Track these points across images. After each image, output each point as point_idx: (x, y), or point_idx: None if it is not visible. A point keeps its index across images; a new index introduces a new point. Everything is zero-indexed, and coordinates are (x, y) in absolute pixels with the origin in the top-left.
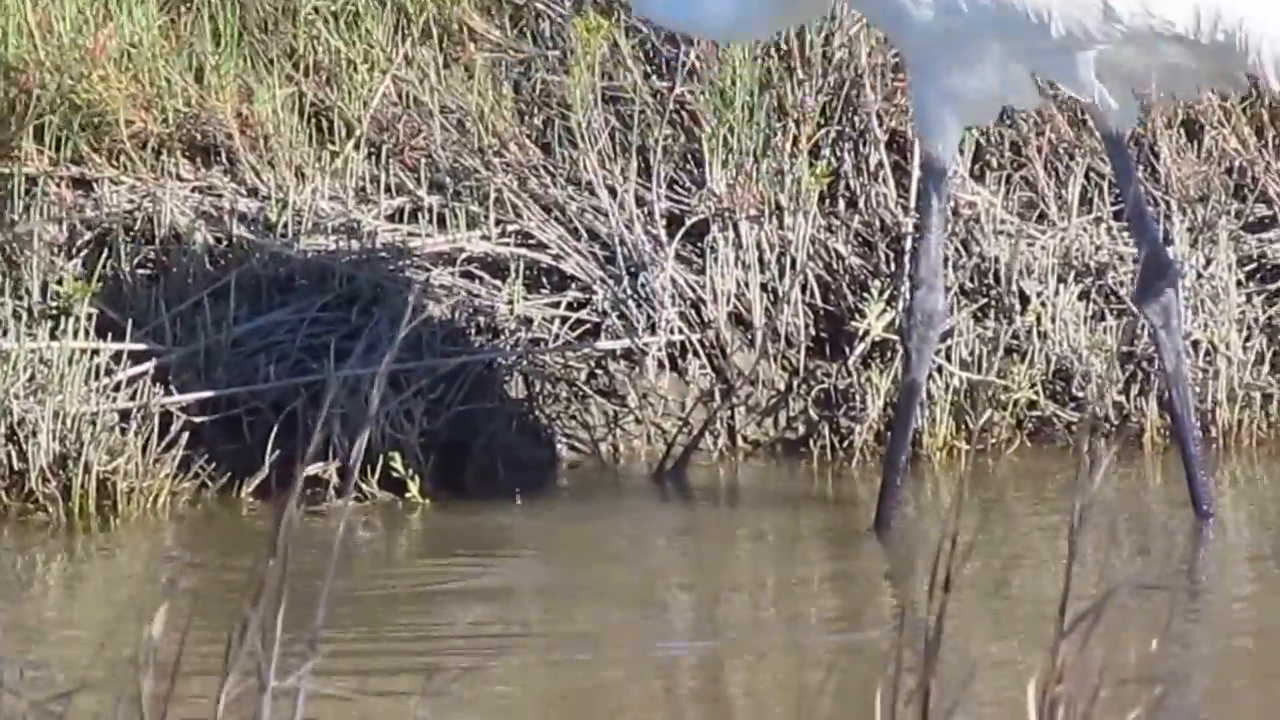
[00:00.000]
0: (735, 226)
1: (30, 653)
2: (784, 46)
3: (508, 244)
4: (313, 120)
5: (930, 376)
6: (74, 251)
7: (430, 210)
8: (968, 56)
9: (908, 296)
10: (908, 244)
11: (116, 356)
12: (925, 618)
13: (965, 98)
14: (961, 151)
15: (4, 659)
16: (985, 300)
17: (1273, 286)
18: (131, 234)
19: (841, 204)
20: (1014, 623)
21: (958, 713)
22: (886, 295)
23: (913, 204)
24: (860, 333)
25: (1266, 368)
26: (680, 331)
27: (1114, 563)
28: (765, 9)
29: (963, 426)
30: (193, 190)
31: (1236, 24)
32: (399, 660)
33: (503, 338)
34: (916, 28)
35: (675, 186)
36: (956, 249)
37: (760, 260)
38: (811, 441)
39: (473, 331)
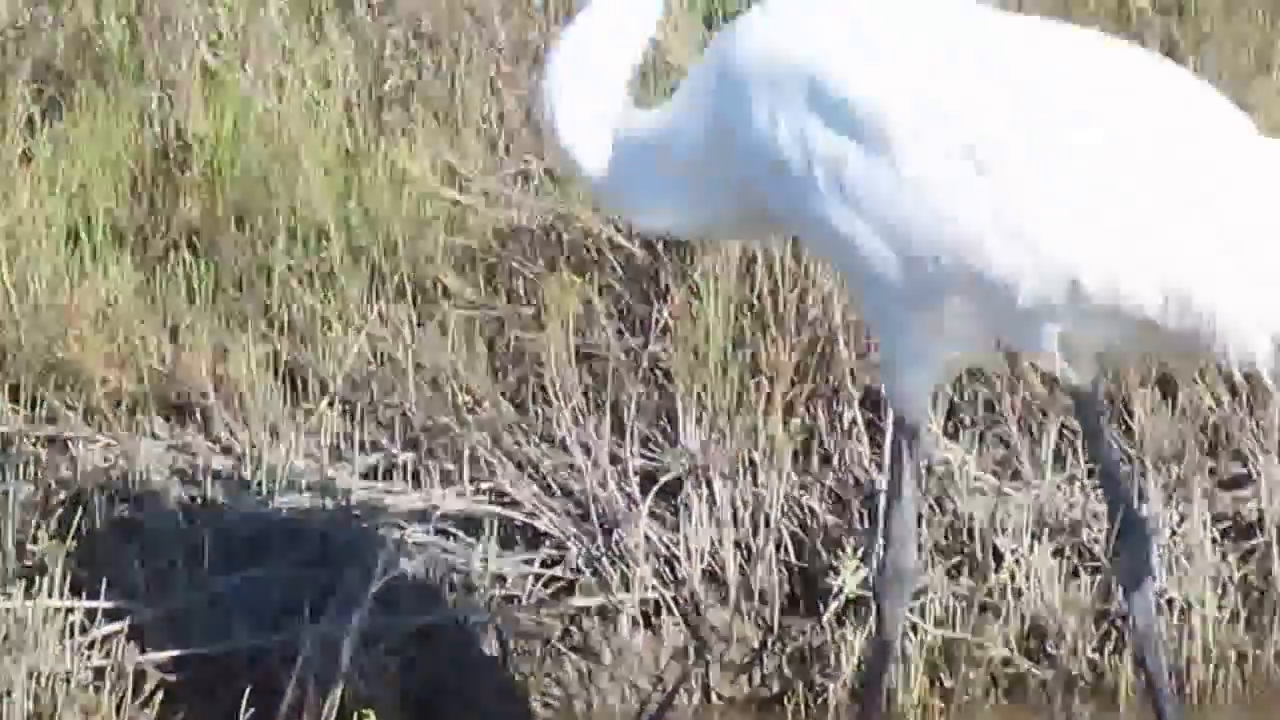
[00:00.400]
0: (709, 483)
1: None
2: (757, 304)
3: (482, 501)
4: (287, 378)
5: (905, 634)
6: (48, 510)
7: (404, 467)
8: (932, 317)
9: (881, 554)
10: (881, 501)
11: (90, 615)
12: None
13: (931, 357)
14: (935, 409)
15: None
16: (959, 557)
17: (1247, 544)
18: (106, 492)
19: (815, 461)
20: None
21: None
22: (860, 552)
23: (886, 462)
24: (834, 590)
25: (1241, 626)
26: (654, 588)
27: None
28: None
29: (938, 684)
30: (167, 448)
31: (1206, 312)
32: None
33: (476, 595)
34: (882, 284)
35: (649, 443)
36: (931, 506)
37: (734, 517)
38: (786, 699)
39: (446, 589)
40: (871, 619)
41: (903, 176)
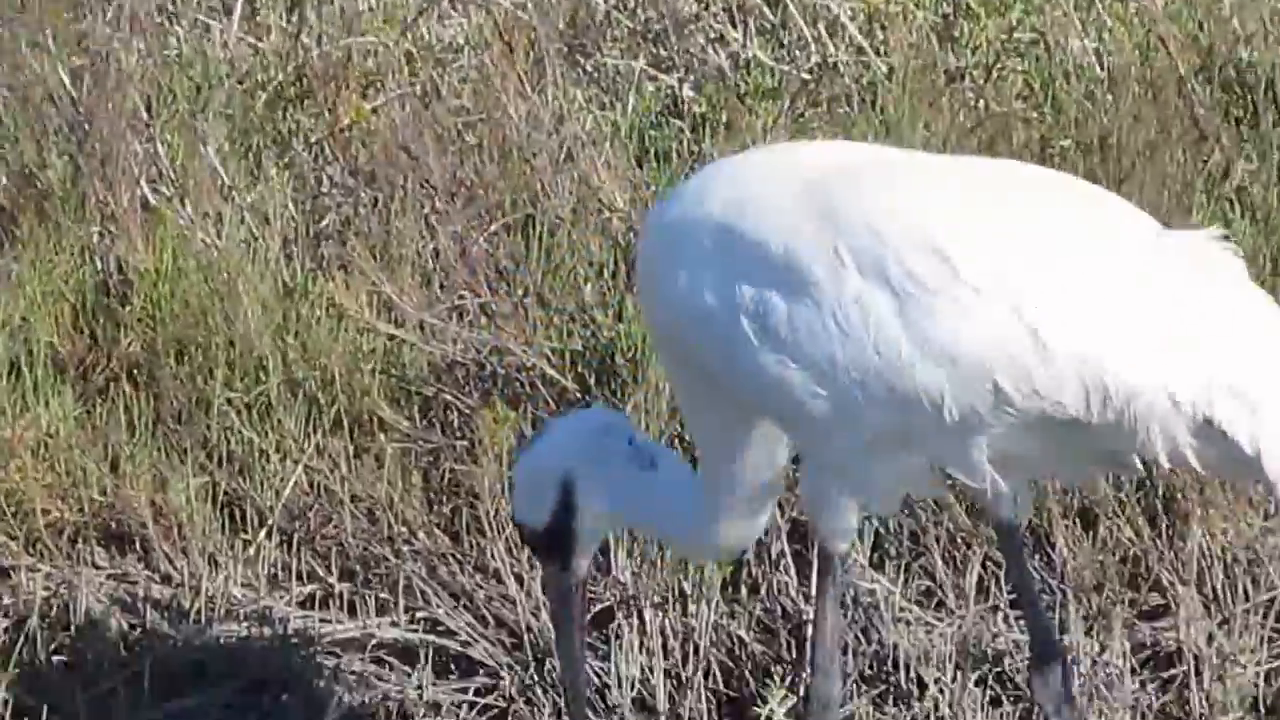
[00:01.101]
0: (640, 613)
1: None
2: (688, 438)
3: (417, 630)
4: (225, 509)
5: None
6: None
7: (341, 597)
8: (863, 445)
9: (807, 682)
10: (808, 631)
11: None
12: None
13: (862, 487)
14: (861, 540)
15: None
16: (884, 686)
17: (1166, 674)
18: (47, 620)
19: (744, 591)
20: None
21: None
22: (788, 681)
23: (813, 592)
24: (762, 718)
25: None
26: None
27: None
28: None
29: None
30: (108, 578)
31: (1125, 402)
32: None
33: None
34: (813, 419)
35: None
36: (856, 636)
37: (664, 646)
38: None
39: (383, 717)
40: None
41: (825, 314)
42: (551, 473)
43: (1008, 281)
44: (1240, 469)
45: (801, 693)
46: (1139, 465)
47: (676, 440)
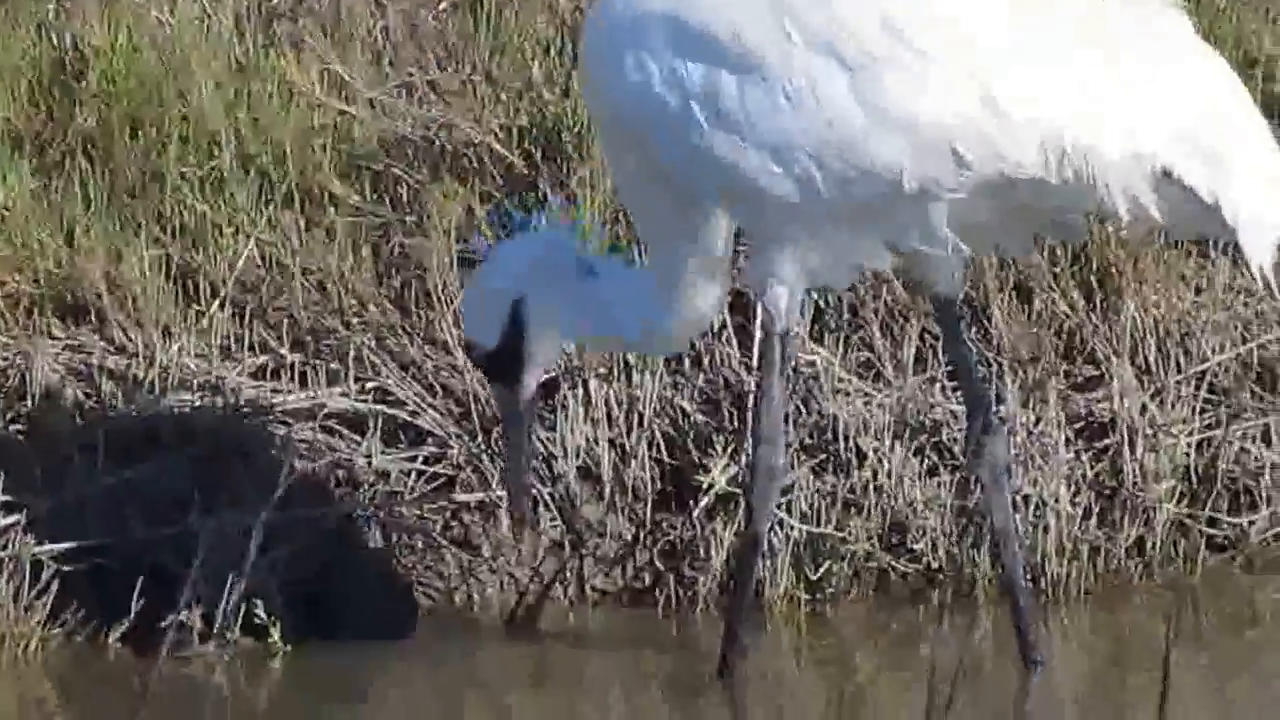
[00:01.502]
0: (585, 384)
1: None
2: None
3: (366, 400)
4: (179, 281)
5: (771, 529)
6: None
7: (292, 368)
8: (821, 223)
9: (751, 453)
10: (750, 402)
11: None
12: None
13: (818, 264)
14: (802, 314)
15: None
16: (824, 456)
17: (1099, 444)
18: (4, 390)
19: (687, 363)
20: None
21: None
22: (730, 451)
23: (755, 363)
24: (704, 487)
25: (1094, 522)
26: (532, 485)
27: (951, 713)
28: None
29: (803, 577)
30: (63, 348)
31: (1084, 158)
32: None
33: (361, 491)
34: (768, 199)
35: None
36: (797, 407)
37: (609, 416)
38: (658, 591)
39: (332, 484)
40: (740, 514)
41: (775, 91)
42: (500, 294)
43: (961, 47)
44: (1200, 220)
45: (744, 462)
46: (1083, 226)
47: (622, 216)
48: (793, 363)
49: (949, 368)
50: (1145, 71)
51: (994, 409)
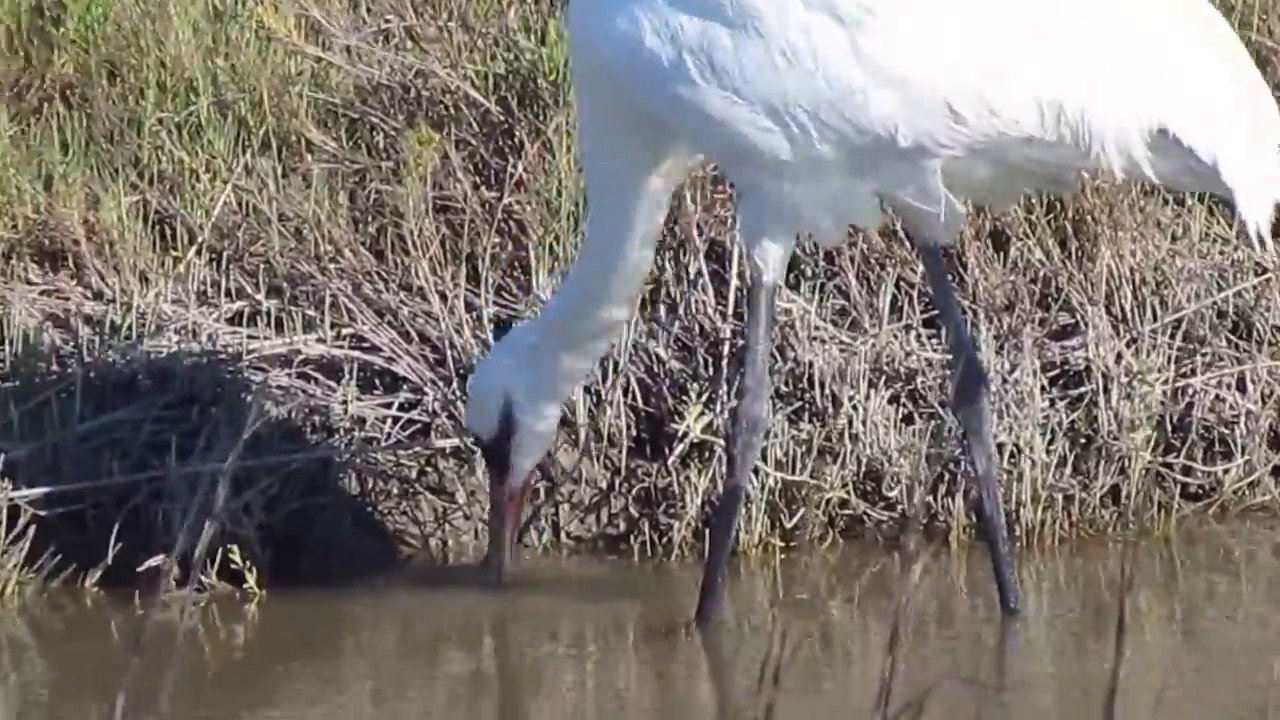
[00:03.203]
0: None
1: None
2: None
3: (342, 347)
4: (156, 227)
5: None
6: None
7: (268, 314)
8: (813, 179)
9: (733, 403)
10: (725, 349)
11: None
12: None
13: (810, 220)
14: None
15: None
16: (800, 403)
17: (1074, 392)
18: None
19: (662, 310)
20: (831, 716)
21: None
22: (705, 398)
23: (730, 311)
24: (679, 434)
25: (1069, 470)
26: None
27: (924, 658)
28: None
29: (778, 524)
30: (41, 294)
31: (1079, 116)
32: None
33: (337, 437)
34: (761, 155)
35: (503, 293)
36: (773, 354)
37: None
38: (632, 538)
39: (308, 430)
40: (715, 462)
41: (771, 47)
42: (490, 392)
43: (959, 5)
44: (1197, 179)
45: (720, 410)
46: (1075, 181)
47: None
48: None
49: (924, 316)
50: (1142, 30)
51: (980, 358)
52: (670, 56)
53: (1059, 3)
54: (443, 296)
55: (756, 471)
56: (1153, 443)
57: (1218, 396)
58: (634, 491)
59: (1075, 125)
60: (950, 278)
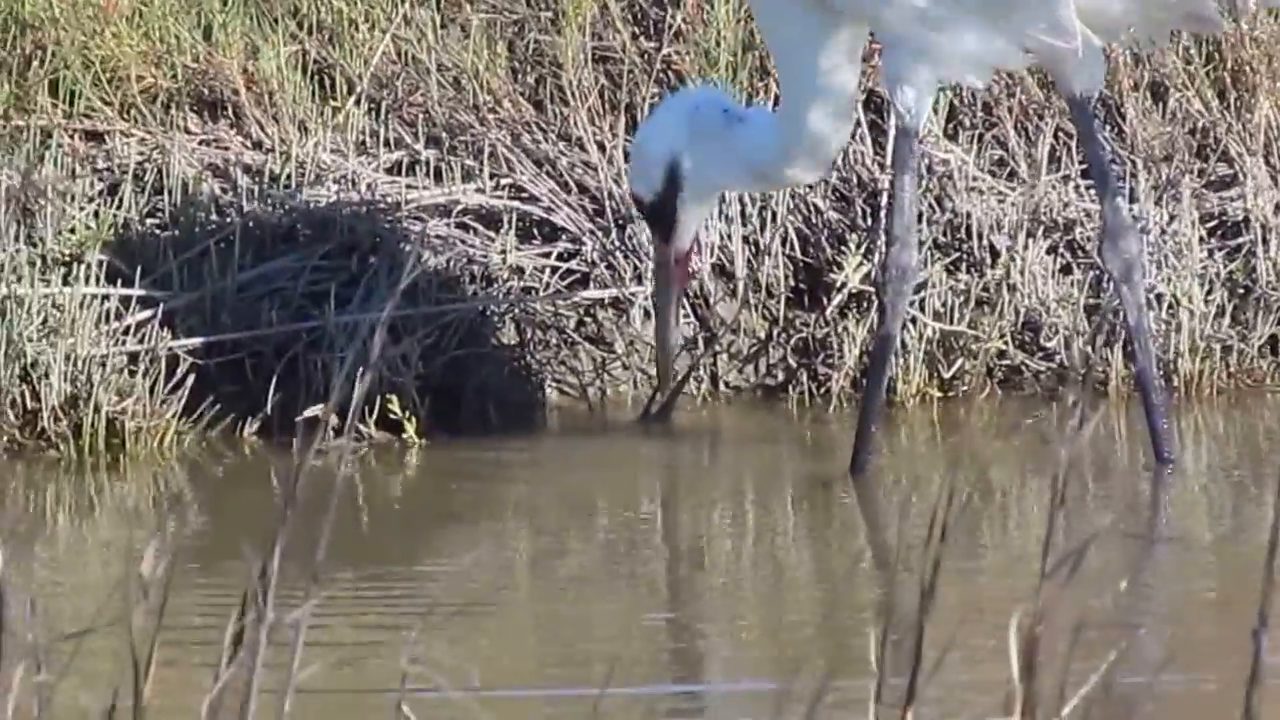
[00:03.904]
0: None
1: (41, 589)
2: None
3: (501, 197)
4: (315, 77)
5: (904, 327)
6: (86, 201)
7: (427, 164)
8: (947, 22)
9: (883, 251)
10: (883, 200)
11: (126, 301)
12: (919, 564)
13: (950, 64)
14: (936, 112)
15: (14, 595)
16: (957, 254)
17: (1233, 243)
18: (141, 184)
19: None
20: (993, 566)
21: (947, 658)
22: (863, 249)
23: (888, 161)
24: (837, 284)
25: (1227, 320)
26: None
27: (1082, 509)
28: None
29: (935, 375)
30: (200, 143)
31: None
32: (395, 597)
33: (495, 286)
34: (904, 10)
35: None
36: (930, 205)
37: (742, 214)
38: (790, 388)
39: (467, 280)
40: (873, 312)
41: None
42: (658, 153)
43: None
44: None
45: (876, 260)
46: (1221, 21)
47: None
48: (925, 160)
49: (1082, 166)
50: None
51: (1128, 208)
52: None
53: None
54: (601, 147)
55: (914, 321)
56: None
57: None
58: (792, 342)
59: None
60: (1108, 128)
